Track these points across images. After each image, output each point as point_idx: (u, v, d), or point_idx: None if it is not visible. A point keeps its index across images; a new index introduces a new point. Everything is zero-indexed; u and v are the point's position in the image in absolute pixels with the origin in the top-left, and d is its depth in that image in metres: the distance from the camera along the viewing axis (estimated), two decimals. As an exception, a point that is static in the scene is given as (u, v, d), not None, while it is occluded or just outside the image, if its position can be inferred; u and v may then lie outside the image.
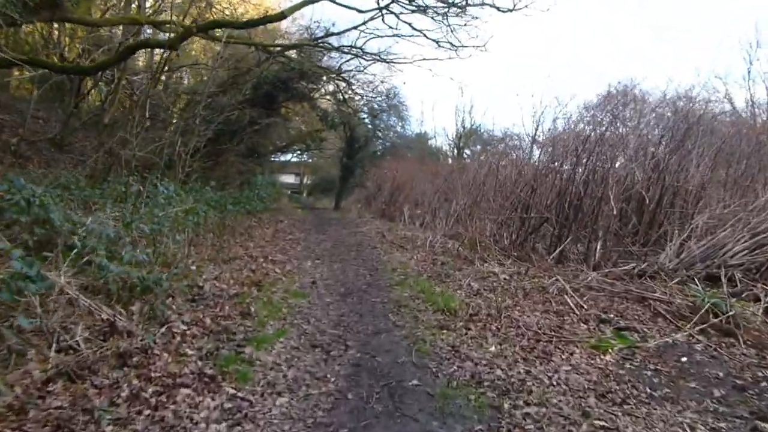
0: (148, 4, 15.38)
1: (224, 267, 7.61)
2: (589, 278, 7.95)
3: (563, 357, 4.92)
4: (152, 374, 3.67)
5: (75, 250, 4.67)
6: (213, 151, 17.68)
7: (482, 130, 34.87)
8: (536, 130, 14.76)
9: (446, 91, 60.91)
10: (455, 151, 34.24)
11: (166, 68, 15.79)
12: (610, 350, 5.12)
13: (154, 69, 15.37)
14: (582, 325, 6.16)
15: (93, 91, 16.73)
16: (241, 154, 19.03)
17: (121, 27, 13.35)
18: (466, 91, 53.64)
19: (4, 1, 7.45)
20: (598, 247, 9.32)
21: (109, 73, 14.97)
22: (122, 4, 15.32)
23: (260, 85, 17.73)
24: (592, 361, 4.82)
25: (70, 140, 14.90)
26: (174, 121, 15.28)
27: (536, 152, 14.56)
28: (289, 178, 53.08)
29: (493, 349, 5.05)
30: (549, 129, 14.03)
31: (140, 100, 14.83)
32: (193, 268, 6.93)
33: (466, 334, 5.48)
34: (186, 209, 7.98)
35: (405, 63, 16.09)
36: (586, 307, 6.78)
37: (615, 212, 9.53)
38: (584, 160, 10.13)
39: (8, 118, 15.46)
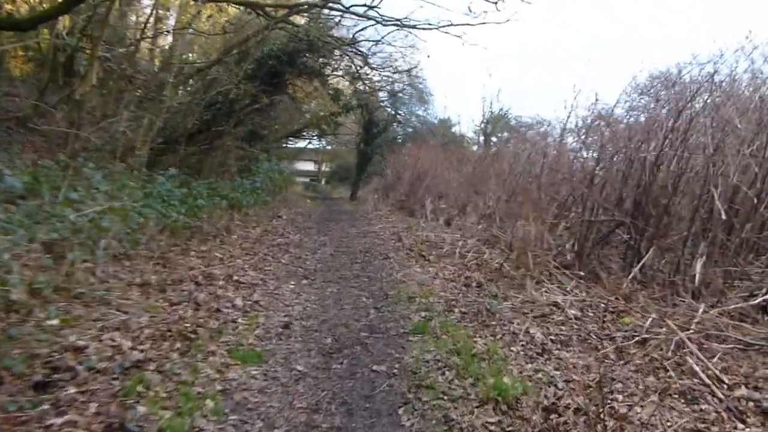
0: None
1: (151, 300, 4.87)
2: (699, 315, 5.08)
3: None
4: None
5: None
6: (207, 135, 15.05)
7: (511, 116, 31.76)
8: (569, 116, 12.13)
9: (472, 74, 57.47)
10: (481, 137, 31.16)
11: (149, 33, 13.05)
12: None
13: (133, 35, 12.64)
14: (738, 424, 3.41)
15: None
16: (241, 138, 16.31)
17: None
18: (494, 73, 50.42)
19: None
20: (699, 266, 6.39)
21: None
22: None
23: (264, 60, 14.94)
24: None
25: (42, 121, 12.33)
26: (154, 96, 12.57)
27: (569, 139, 11.82)
28: (308, 166, 50.53)
29: None
30: (586, 115, 11.64)
31: (117, 72, 12.18)
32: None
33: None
34: (103, 209, 5.23)
35: (429, 29, 13.12)
36: (727, 381, 3.95)
37: (723, 216, 6.57)
38: (676, 144, 7.17)
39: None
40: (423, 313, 5.39)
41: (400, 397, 3.51)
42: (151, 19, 12.90)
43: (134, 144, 8.51)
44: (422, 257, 8.39)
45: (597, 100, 9.72)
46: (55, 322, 3.64)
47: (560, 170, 10.88)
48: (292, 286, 6.23)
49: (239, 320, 4.79)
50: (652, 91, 15.29)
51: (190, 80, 15.61)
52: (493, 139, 31.81)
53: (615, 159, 8.35)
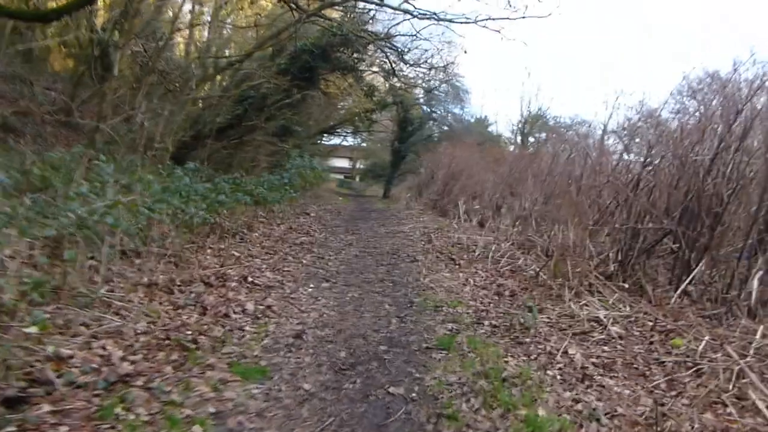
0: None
1: (155, 303, 4.50)
2: (758, 339, 4.47)
3: None
4: None
5: None
6: (238, 130, 14.80)
7: (549, 116, 30.83)
8: (610, 116, 11.61)
9: (510, 72, 56.37)
10: (519, 137, 30.33)
11: (181, 27, 12.82)
12: None
13: (163, 30, 12.42)
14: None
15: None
16: (272, 134, 16.01)
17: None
18: (533, 72, 49.32)
19: None
20: (756, 281, 5.73)
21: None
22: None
23: (297, 55, 14.60)
24: None
25: (78, 114, 12.23)
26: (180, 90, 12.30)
27: (609, 141, 11.14)
28: (343, 163, 50.28)
29: None
30: (627, 117, 11.04)
31: (147, 66, 12.00)
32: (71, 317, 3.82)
33: None
34: (111, 204, 4.88)
35: (467, 23, 12.56)
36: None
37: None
38: (733, 147, 6.49)
39: (13, 90, 13.02)
40: (449, 325, 4.89)
41: (417, 429, 3.02)
42: (184, 13, 12.58)
43: (156, 136, 8.19)
44: (452, 261, 7.87)
45: (642, 100, 9.05)
46: (31, 330, 3.24)
47: (603, 172, 10.28)
48: (311, 290, 5.79)
49: (247, 328, 4.37)
50: (704, 90, 14.48)
51: (221, 75, 15.39)
52: (531, 139, 30.97)
53: (663, 162, 7.69)
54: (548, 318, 5.30)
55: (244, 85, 15.07)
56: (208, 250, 6.63)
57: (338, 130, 30.09)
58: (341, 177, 45.77)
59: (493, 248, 8.64)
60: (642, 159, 8.45)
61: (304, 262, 7.04)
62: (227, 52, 15.18)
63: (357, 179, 46.03)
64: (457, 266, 7.53)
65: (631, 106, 17.19)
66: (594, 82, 42.95)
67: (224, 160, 15.63)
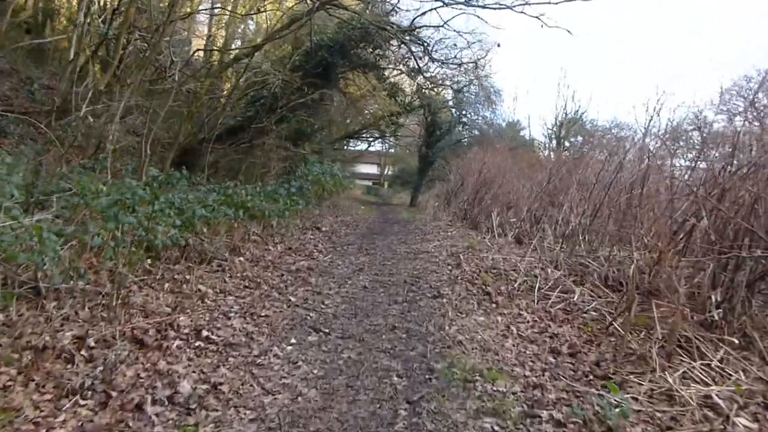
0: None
1: (18, 392, 2.84)
2: None
3: None
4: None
5: None
6: (247, 133, 13.22)
7: (586, 119, 28.64)
8: (650, 120, 10.02)
9: (543, 73, 54.04)
10: (554, 141, 28.18)
11: (179, 14, 11.25)
12: None
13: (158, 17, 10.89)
14: None
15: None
16: (285, 137, 14.40)
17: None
18: (568, 73, 46.96)
19: None
20: None
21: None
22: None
23: (313, 51, 12.99)
24: None
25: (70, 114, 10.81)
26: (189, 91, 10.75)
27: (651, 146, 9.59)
28: (371, 169, 48.72)
29: None
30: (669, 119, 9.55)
31: (140, 60, 10.48)
32: None
33: None
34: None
35: (501, 8, 10.81)
36: None
37: None
38: None
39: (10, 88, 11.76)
40: (488, 423, 3.10)
41: None
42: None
43: (110, 136, 6.61)
44: (487, 296, 6.04)
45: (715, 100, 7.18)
46: None
47: (672, 178, 8.42)
48: (290, 349, 4.05)
49: (162, 439, 2.67)
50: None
51: (231, 72, 13.87)
52: (566, 143, 28.88)
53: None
54: (636, 400, 3.48)
55: (254, 84, 13.55)
56: (167, 285, 4.96)
57: (364, 135, 28.53)
58: (369, 183, 44.20)
59: (538, 274, 6.81)
60: (722, 164, 6.58)
61: (293, 300, 5.29)
62: (235, 48, 13.64)
63: (385, 186, 44.39)
64: (493, 304, 5.70)
65: (674, 107, 15.48)
66: (633, 82, 40.45)
67: (233, 166, 14.10)
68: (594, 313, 5.45)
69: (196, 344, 3.83)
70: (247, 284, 5.56)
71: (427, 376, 3.73)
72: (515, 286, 6.37)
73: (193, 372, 3.41)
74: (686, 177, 8.01)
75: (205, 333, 4.02)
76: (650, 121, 10.05)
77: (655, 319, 4.48)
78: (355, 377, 3.65)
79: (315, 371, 3.69)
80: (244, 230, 7.48)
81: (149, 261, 5.42)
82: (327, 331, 4.56)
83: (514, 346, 4.47)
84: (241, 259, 6.45)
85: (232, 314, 4.57)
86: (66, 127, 5.88)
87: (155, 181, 6.42)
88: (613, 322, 4.78)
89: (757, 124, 8.26)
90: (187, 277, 5.26)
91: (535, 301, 5.83)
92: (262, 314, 4.70)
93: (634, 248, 7.05)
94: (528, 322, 5.12)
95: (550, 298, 5.89)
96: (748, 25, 42.30)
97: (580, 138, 28.77)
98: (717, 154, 7.73)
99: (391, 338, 4.51)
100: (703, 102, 39.38)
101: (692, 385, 3.70)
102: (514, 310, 5.48)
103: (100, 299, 4.16)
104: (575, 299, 5.84)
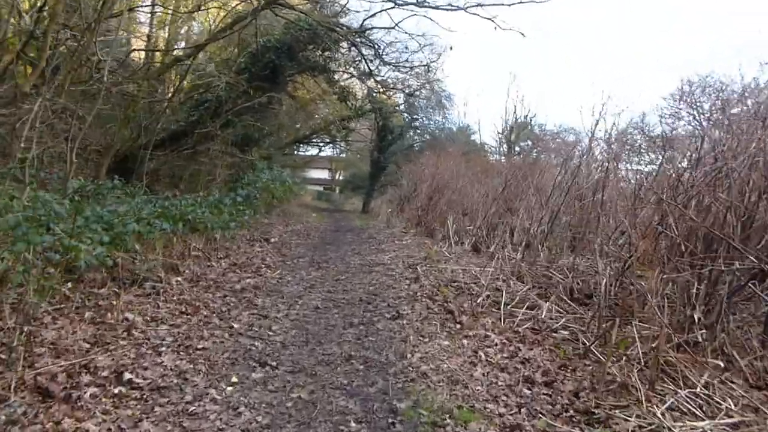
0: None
1: None
2: None
3: None
4: None
5: None
6: (190, 139, 12.42)
7: (535, 124, 28.87)
8: (596, 125, 10.02)
9: (492, 77, 54.55)
10: (504, 146, 28.23)
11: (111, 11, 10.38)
12: None
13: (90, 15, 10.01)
14: None
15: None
16: (232, 143, 13.66)
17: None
18: (516, 77, 47.51)
19: None
20: None
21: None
22: None
23: (260, 53, 12.34)
24: None
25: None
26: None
27: (596, 151, 9.49)
28: (322, 174, 48.00)
29: None
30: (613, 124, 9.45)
31: (70, 60, 9.60)
32: None
33: None
34: None
35: (454, 10, 10.47)
36: None
37: None
38: None
39: None
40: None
41: None
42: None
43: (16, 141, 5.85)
44: (450, 314, 5.57)
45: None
46: None
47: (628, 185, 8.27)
48: (230, 390, 3.46)
49: None
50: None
51: (172, 74, 13.04)
52: (516, 148, 29.05)
53: (730, 168, 5.52)
54: (624, 440, 3.07)
55: (198, 87, 12.77)
56: (87, 314, 4.27)
57: (315, 140, 27.89)
58: (320, 189, 43.51)
59: (502, 289, 6.40)
60: (683, 169, 6.36)
61: (236, 327, 4.66)
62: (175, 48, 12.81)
63: (337, 191, 43.78)
64: (458, 324, 5.23)
65: (619, 111, 15.63)
66: (580, 85, 41.18)
67: (176, 173, 13.27)
68: (564, 332, 5.06)
69: (116, 391, 3.20)
70: (183, 309, 4.91)
71: (390, 420, 3.21)
72: (479, 302, 5.93)
73: (108, 430, 2.79)
74: (644, 182, 7.79)
75: (127, 375, 3.38)
76: (596, 125, 9.83)
77: (637, 343, 4.11)
78: (306, 425, 3.10)
79: (259, 418, 3.12)
80: (184, 245, 6.79)
81: (69, 285, 4.72)
82: (274, 364, 3.98)
83: (484, 375, 4.01)
84: (179, 279, 5.78)
85: (164, 348, 3.93)
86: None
87: (81, 192, 5.70)
88: (590, 348, 4.37)
89: (700, 128, 8.16)
90: (114, 303, 4.58)
91: (502, 319, 5.40)
92: (199, 346, 4.08)
93: (597, 257, 6.76)
94: (496, 345, 4.68)
95: (516, 316, 5.48)
96: (718, 23, 43.61)
97: (529, 142, 29.01)
98: (677, 158, 7.54)
99: (348, 370, 3.98)
100: (648, 105, 40.51)
101: (683, 419, 3.32)
102: (480, 331, 5.03)
103: (3, 338, 3.47)
104: (543, 316, 5.45)
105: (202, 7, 10.83)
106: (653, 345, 3.92)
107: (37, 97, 8.66)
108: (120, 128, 10.32)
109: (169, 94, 12.40)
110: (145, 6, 11.75)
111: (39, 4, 10.17)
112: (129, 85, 11.16)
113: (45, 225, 4.41)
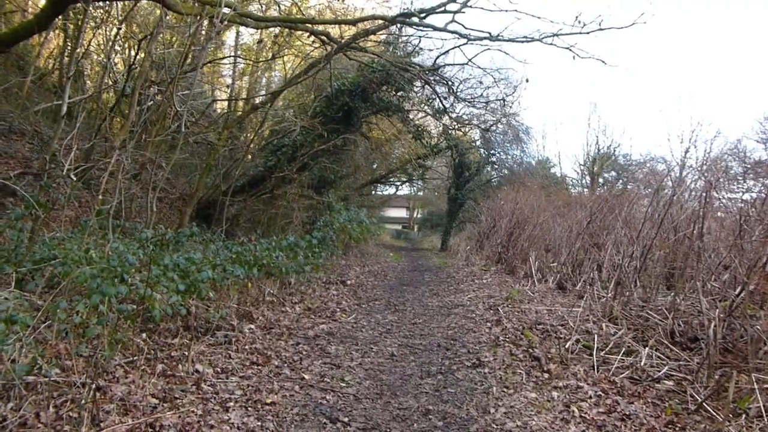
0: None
1: None
2: None
3: None
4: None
5: None
6: (268, 184, 12.65)
7: (619, 154, 27.62)
8: (686, 152, 9.31)
9: (572, 108, 53.17)
10: (587, 178, 27.13)
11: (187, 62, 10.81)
12: None
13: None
14: None
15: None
16: (308, 185, 13.80)
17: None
18: (597, 105, 46.01)
19: None
20: None
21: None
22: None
23: (334, 96, 12.52)
24: None
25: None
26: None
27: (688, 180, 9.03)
28: (400, 212, 48.12)
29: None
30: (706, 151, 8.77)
31: (156, 113, 10.07)
32: None
33: None
34: None
35: (530, 41, 10.11)
36: None
37: None
38: None
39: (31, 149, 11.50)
40: None
41: None
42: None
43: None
44: (536, 362, 5.11)
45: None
46: None
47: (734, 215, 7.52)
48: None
49: None
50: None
51: (251, 120, 13.43)
52: (600, 179, 27.85)
53: None
54: None
55: (275, 133, 13.06)
56: (159, 366, 4.19)
57: (391, 179, 27.99)
58: (398, 227, 43.52)
59: (593, 332, 5.86)
60: None
61: (307, 378, 4.43)
62: (252, 96, 13.21)
63: (415, 229, 43.65)
64: (545, 373, 4.76)
65: (711, 137, 14.63)
66: (667, 112, 39.31)
67: (255, 218, 13.52)
68: (668, 382, 4.48)
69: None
70: (254, 359, 4.74)
71: None
72: (567, 347, 5.42)
73: (168, 499, 2.60)
74: (749, 211, 7.04)
75: (186, 445, 3.21)
76: (686, 152, 9.16)
77: (757, 396, 3.52)
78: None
79: (326, 487, 2.84)
80: (259, 291, 6.72)
81: (143, 336, 4.69)
82: (346, 420, 3.70)
83: (578, 436, 3.54)
84: (252, 326, 5.66)
85: (231, 403, 3.75)
86: (47, 187, 5.26)
87: (162, 240, 5.76)
88: (704, 403, 3.80)
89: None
90: (186, 353, 4.49)
91: (595, 367, 4.88)
92: (268, 401, 3.87)
93: (701, 295, 6.08)
94: (590, 398, 4.18)
95: (611, 363, 4.94)
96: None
97: (614, 173, 27.75)
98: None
99: (425, 428, 3.64)
100: (741, 130, 38.10)
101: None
102: (571, 381, 4.54)
103: (72, 393, 3.41)
104: (642, 363, 4.88)
105: (278, 55, 11.05)
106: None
107: (124, 151, 9.08)
108: (202, 176, 10.62)
109: (249, 141, 12.74)
110: (226, 58, 12.19)
111: (130, 63, 10.81)
112: (210, 134, 11.55)
113: (120, 276, 4.42)
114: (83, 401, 3.26)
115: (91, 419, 3.18)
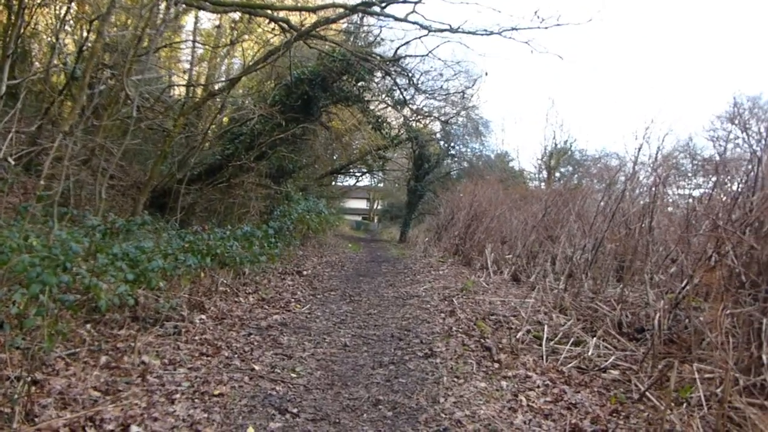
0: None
1: None
2: None
3: None
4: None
5: None
6: (225, 172, 12.39)
7: (575, 149, 28.18)
8: (640, 148, 9.71)
9: (530, 102, 53.97)
10: (544, 172, 27.59)
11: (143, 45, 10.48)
12: None
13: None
14: None
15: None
16: (266, 175, 13.59)
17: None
18: (555, 101, 46.81)
19: None
20: None
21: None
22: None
23: (293, 85, 12.32)
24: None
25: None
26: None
27: (641, 175, 9.03)
28: (360, 204, 48.04)
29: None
30: (658, 147, 9.13)
31: (109, 98, 9.75)
32: None
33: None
34: None
35: (489, 35, 10.16)
36: None
37: None
38: None
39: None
40: None
41: None
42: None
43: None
44: (488, 352, 5.15)
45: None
46: None
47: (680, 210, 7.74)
48: (244, 443, 3.16)
49: None
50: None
51: (208, 107, 13.11)
52: (556, 174, 28.38)
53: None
54: None
55: (233, 121, 12.81)
56: (103, 358, 4.04)
57: (351, 170, 27.88)
58: (358, 219, 43.47)
59: (544, 323, 5.96)
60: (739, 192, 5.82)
61: (257, 369, 4.35)
62: (209, 83, 12.87)
63: (375, 220, 43.67)
64: (495, 363, 4.81)
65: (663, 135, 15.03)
66: (622, 109, 40.27)
67: (212, 207, 13.25)
68: (614, 372, 4.58)
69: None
70: (204, 350, 4.64)
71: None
72: (518, 337, 5.48)
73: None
74: (696, 206, 7.24)
75: (135, 428, 3.11)
76: (640, 148, 9.38)
77: (698, 385, 3.62)
78: (323, 487, 2.75)
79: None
80: (211, 281, 6.58)
81: (88, 327, 4.53)
82: (295, 411, 3.65)
83: (525, 423, 3.58)
84: (203, 317, 5.54)
85: (178, 395, 3.65)
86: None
87: (111, 228, 5.57)
88: (647, 392, 3.89)
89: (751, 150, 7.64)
90: (132, 345, 4.35)
91: (544, 357, 4.95)
92: (216, 392, 3.78)
93: (648, 288, 6.25)
94: (538, 386, 4.24)
95: (560, 353, 5.02)
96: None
97: (570, 168, 28.31)
98: (729, 182, 7.00)
99: (374, 418, 3.62)
100: (693, 128, 39.23)
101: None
102: (521, 370, 4.59)
103: (4, 388, 3.25)
104: (590, 353, 4.98)
105: (237, 41, 10.81)
106: (717, 389, 3.44)
107: (73, 136, 8.74)
108: (156, 164, 10.32)
109: (205, 129, 12.45)
110: (183, 42, 11.86)
111: (80, 45, 10.41)
112: (166, 121, 11.24)
113: (62, 265, 4.23)
114: (16, 396, 3.11)
115: (24, 414, 3.04)
